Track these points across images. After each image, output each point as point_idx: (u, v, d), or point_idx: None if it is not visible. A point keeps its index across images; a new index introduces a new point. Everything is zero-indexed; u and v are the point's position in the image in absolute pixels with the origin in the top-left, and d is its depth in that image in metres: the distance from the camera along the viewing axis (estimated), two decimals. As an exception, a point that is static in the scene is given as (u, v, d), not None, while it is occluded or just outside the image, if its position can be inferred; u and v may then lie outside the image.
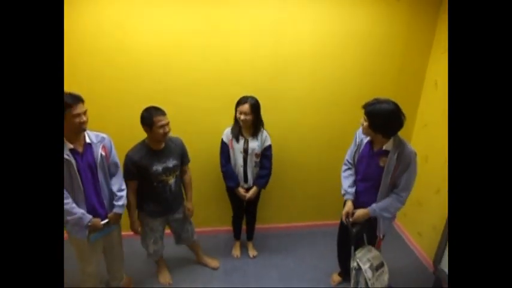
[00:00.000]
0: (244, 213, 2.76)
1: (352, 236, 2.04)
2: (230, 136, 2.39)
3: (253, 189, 2.50)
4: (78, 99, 1.73)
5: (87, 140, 1.87)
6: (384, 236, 2.11)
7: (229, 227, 2.87)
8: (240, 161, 2.43)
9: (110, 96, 2.48)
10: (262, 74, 2.59)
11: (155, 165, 2.09)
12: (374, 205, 1.95)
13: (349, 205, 2.07)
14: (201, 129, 2.65)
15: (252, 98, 2.31)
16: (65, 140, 1.76)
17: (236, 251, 2.85)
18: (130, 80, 2.47)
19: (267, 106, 2.64)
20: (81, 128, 1.76)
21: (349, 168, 2.15)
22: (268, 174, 2.52)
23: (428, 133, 2.80)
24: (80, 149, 1.84)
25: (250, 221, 2.80)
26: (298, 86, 2.67)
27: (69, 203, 1.81)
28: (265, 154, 2.47)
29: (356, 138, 2.09)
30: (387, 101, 1.77)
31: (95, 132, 1.94)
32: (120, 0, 2.28)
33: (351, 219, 2.04)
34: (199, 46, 2.45)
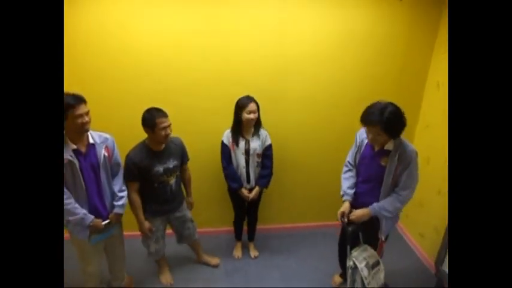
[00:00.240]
0: (245, 214, 2.76)
1: (348, 235, 2.04)
2: (231, 138, 2.39)
3: (256, 190, 2.50)
4: (80, 100, 1.74)
5: (91, 141, 1.88)
6: (386, 238, 2.10)
7: (231, 228, 2.87)
8: (242, 162, 2.43)
9: (111, 96, 2.49)
10: (263, 75, 2.59)
11: (156, 166, 2.10)
12: (375, 204, 1.94)
13: (346, 205, 2.06)
14: (202, 129, 2.65)
15: (251, 96, 2.32)
16: (68, 141, 1.77)
17: (237, 252, 2.85)
18: (132, 80, 2.47)
19: (268, 107, 2.64)
20: (83, 129, 1.77)
21: (349, 170, 2.14)
22: (270, 174, 2.52)
23: (430, 134, 2.79)
24: (83, 149, 1.84)
25: (252, 221, 2.80)
26: (299, 86, 2.67)
27: (71, 203, 1.81)
28: (266, 154, 2.47)
29: (357, 139, 2.08)
30: (384, 103, 1.73)
31: (98, 133, 1.95)
32: (122, 1, 2.29)
33: (346, 220, 2.05)
34: (200, 46, 2.45)
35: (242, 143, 2.39)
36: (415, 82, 2.81)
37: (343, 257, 2.45)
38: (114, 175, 2.06)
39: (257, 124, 2.41)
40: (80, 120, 1.72)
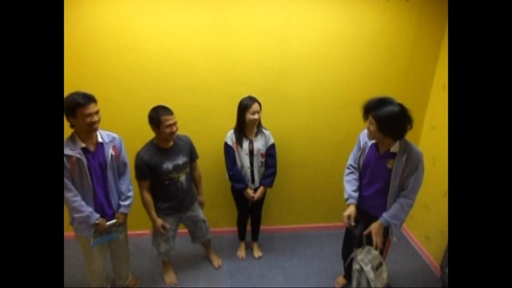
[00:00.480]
0: (249, 214, 2.76)
1: (355, 239, 2.02)
2: (234, 138, 2.40)
3: (261, 189, 2.51)
4: (90, 99, 1.76)
5: (99, 140, 1.90)
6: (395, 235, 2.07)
7: (234, 228, 2.87)
8: (247, 163, 2.43)
9: (116, 96, 2.51)
10: (269, 75, 2.59)
11: (165, 163, 2.12)
12: (384, 214, 1.91)
13: (351, 209, 2.03)
14: (206, 129, 2.66)
15: (253, 97, 2.33)
16: (78, 139, 1.80)
17: (241, 252, 2.85)
18: (136, 79, 2.49)
19: (274, 107, 2.65)
20: (92, 128, 1.79)
21: (352, 173, 2.10)
22: (274, 173, 2.52)
23: (436, 136, 2.76)
24: (92, 148, 1.87)
25: (255, 221, 2.80)
26: (304, 87, 2.67)
27: (77, 200, 1.84)
28: (270, 153, 2.48)
29: (360, 141, 2.04)
30: (392, 102, 1.72)
31: (107, 132, 1.98)
32: (128, 1, 2.31)
33: (352, 223, 2.03)
34: (205, 46, 2.46)
35: (246, 144, 2.39)
36: (421, 83, 2.80)
37: (347, 259, 2.44)
38: (120, 175, 2.08)
39: (259, 124, 2.42)
40: (88, 119, 1.75)
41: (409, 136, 2.94)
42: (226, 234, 3.06)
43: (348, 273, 2.50)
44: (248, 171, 2.46)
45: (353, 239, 2.05)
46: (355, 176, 2.09)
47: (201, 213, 2.48)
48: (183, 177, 2.23)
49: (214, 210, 2.96)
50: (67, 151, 1.76)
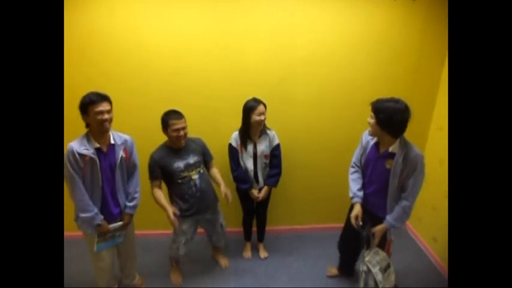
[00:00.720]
0: (254, 214, 2.76)
1: (363, 239, 2.03)
2: (239, 140, 2.40)
3: (265, 189, 2.51)
4: (102, 98, 1.81)
5: (112, 141, 1.95)
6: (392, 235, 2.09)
7: (240, 228, 2.88)
8: (250, 165, 2.45)
9: (124, 97, 2.53)
10: (275, 76, 2.60)
11: (176, 162, 2.16)
12: (389, 218, 1.93)
13: (358, 208, 2.05)
14: (213, 129, 2.67)
15: (258, 98, 2.33)
16: (93, 139, 1.86)
17: (247, 253, 2.86)
18: (144, 80, 2.52)
19: (279, 108, 2.65)
20: (103, 126, 1.82)
21: (356, 171, 2.13)
22: (279, 173, 2.53)
23: (444, 137, 2.74)
24: (105, 149, 1.92)
25: (261, 222, 2.80)
26: (311, 87, 2.67)
27: (85, 200, 1.87)
28: (275, 153, 2.48)
29: (362, 140, 2.08)
30: (396, 99, 1.76)
31: (119, 134, 2.01)
32: (134, 2, 2.33)
33: (360, 223, 2.03)
34: (213, 48, 2.48)
35: (250, 146, 2.40)
36: (428, 84, 2.77)
37: (344, 255, 2.50)
38: (130, 176, 2.11)
39: (263, 125, 2.42)
40: (99, 117, 1.79)
41: (416, 137, 2.93)
42: (232, 234, 3.06)
43: (342, 266, 2.56)
44: (252, 173, 2.47)
45: (361, 240, 2.05)
46: (359, 174, 2.12)
47: (220, 218, 2.50)
48: (195, 176, 2.24)
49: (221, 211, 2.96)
50: (82, 150, 1.80)
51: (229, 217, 3.01)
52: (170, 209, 2.14)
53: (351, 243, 2.29)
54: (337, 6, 2.46)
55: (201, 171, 2.28)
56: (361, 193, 2.07)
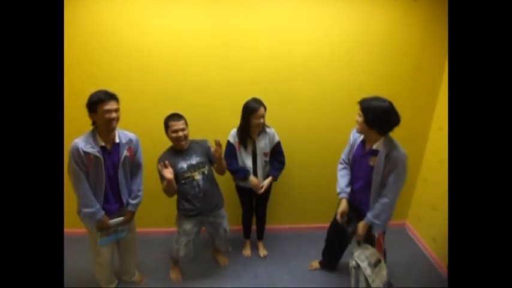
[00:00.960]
0: (253, 212, 2.77)
1: (349, 235, 2.08)
2: (237, 138, 2.40)
3: (268, 180, 2.49)
4: (110, 96, 1.83)
5: (117, 140, 1.96)
6: (384, 233, 2.10)
7: (240, 226, 2.88)
8: (249, 163, 2.45)
9: (126, 95, 2.49)
10: (276, 75, 2.60)
11: (180, 163, 2.18)
12: (368, 214, 1.98)
13: (344, 204, 2.12)
14: (214, 127, 2.67)
15: (259, 99, 2.31)
16: (99, 137, 1.88)
17: (246, 251, 2.87)
18: (146, 79, 2.53)
19: (281, 106, 2.65)
20: (110, 125, 1.85)
21: (344, 168, 2.19)
22: (283, 167, 2.54)
23: (444, 137, 2.74)
24: (109, 147, 1.94)
25: (260, 220, 2.80)
26: (313, 86, 2.67)
27: (89, 195, 1.91)
28: (277, 150, 2.49)
29: (350, 137, 2.14)
30: (383, 99, 1.83)
31: (125, 132, 2.03)
32: (137, 1, 2.33)
33: (345, 218, 2.10)
34: (214, 46, 2.49)
35: (249, 144, 2.40)
36: (429, 83, 2.77)
37: (328, 251, 2.57)
38: (133, 174, 2.13)
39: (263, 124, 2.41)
40: (107, 116, 1.81)
41: (416, 137, 2.94)
42: (231, 232, 3.06)
43: (324, 258, 2.62)
44: (251, 171, 2.47)
45: (347, 237, 2.12)
46: (347, 170, 2.18)
47: (225, 222, 2.49)
48: (198, 177, 2.24)
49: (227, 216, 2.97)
50: (87, 148, 1.83)
51: (229, 215, 3.01)
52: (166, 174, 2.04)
53: (337, 238, 2.36)
54: (338, 6, 2.47)
55: (205, 172, 2.28)
56: (348, 189, 2.13)
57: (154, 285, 2.49)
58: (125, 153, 2.00)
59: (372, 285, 1.94)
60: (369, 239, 2.08)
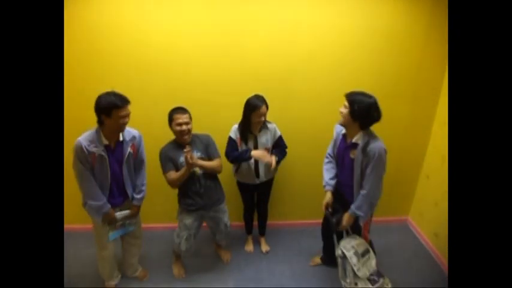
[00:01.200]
0: (254, 208, 2.77)
1: (333, 226, 2.14)
2: (239, 134, 2.39)
3: (273, 158, 2.37)
4: (126, 101, 1.86)
5: (120, 138, 1.99)
6: (370, 219, 2.17)
7: (242, 222, 2.89)
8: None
9: (128, 91, 2.48)
10: (278, 71, 2.59)
11: (181, 157, 2.18)
12: (352, 206, 2.05)
13: (328, 196, 2.20)
14: (216, 124, 2.65)
15: (261, 97, 2.29)
16: (103, 137, 1.90)
17: (249, 246, 2.88)
18: (148, 75, 2.52)
19: (282, 103, 2.64)
20: (122, 129, 1.91)
21: (330, 162, 2.27)
22: (285, 155, 2.53)
23: (447, 133, 2.72)
24: (113, 145, 1.96)
25: (262, 215, 2.81)
26: (315, 84, 2.65)
27: (96, 190, 1.96)
28: (280, 144, 2.48)
29: (334, 132, 2.22)
30: (369, 94, 1.90)
31: (128, 129, 2.03)
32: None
33: (330, 209, 2.20)
34: (216, 43, 2.47)
35: (250, 140, 2.40)
36: (432, 79, 2.75)
37: (325, 244, 2.62)
38: (136, 170, 2.17)
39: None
40: (122, 121, 1.85)
41: (419, 132, 2.92)
42: (233, 228, 3.07)
43: (324, 254, 2.67)
44: (252, 167, 2.46)
45: (331, 226, 2.19)
46: (332, 164, 2.26)
47: (225, 217, 2.50)
48: (199, 172, 2.25)
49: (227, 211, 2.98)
50: (92, 148, 1.86)
51: (231, 211, 3.02)
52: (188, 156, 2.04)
53: (329, 233, 2.41)
54: (340, 2, 2.44)
55: None
56: (332, 182, 2.21)
57: (157, 281, 2.52)
58: (129, 150, 2.03)
59: (358, 274, 2.00)
60: (356, 229, 2.16)
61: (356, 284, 2.03)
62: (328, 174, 2.24)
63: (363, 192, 1.98)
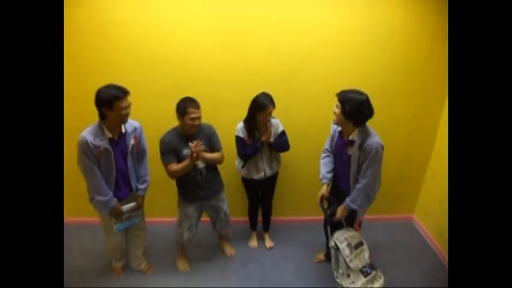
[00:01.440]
0: (259, 204, 2.78)
1: (327, 217, 2.20)
2: (245, 131, 2.38)
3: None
4: (126, 92, 1.87)
5: (123, 130, 2.01)
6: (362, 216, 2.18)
7: (246, 217, 2.90)
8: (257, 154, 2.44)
9: (135, 84, 2.48)
10: (283, 66, 2.58)
11: (185, 149, 2.18)
12: (347, 199, 2.08)
13: (324, 189, 2.25)
14: (221, 119, 2.62)
15: (269, 95, 2.27)
16: (106, 130, 1.92)
17: (253, 242, 2.89)
18: (155, 69, 2.53)
19: (287, 98, 2.63)
20: (124, 120, 1.93)
21: (327, 156, 2.30)
22: (286, 148, 2.49)
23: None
24: (116, 138, 1.99)
25: (266, 211, 2.82)
26: (320, 78, 2.63)
27: (102, 185, 1.99)
28: (282, 139, 2.45)
29: (331, 129, 2.23)
30: (360, 92, 1.90)
31: (129, 121, 2.04)
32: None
33: (325, 202, 2.26)
34: (222, 37, 2.46)
35: (256, 137, 2.39)
36: (440, 77, 2.71)
37: (328, 240, 2.57)
38: (139, 161, 2.20)
39: None
40: (124, 112, 1.87)
41: (426, 130, 2.89)
42: (238, 223, 3.08)
43: (329, 252, 2.60)
44: (259, 163, 2.46)
45: (326, 218, 2.25)
46: (330, 159, 2.29)
47: (225, 206, 2.51)
48: (202, 165, 2.25)
49: (228, 199, 2.98)
50: (96, 141, 1.88)
51: (235, 206, 3.03)
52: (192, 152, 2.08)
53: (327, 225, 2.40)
54: (347, -2, 2.42)
55: None
56: (329, 175, 2.25)
57: (161, 275, 2.54)
58: (132, 141, 2.06)
59: (350, 265, 2.03)
60: (350, 222, 2.21)
61: (348, 275, 2.07)
62: (325, 167, 2.28)
63: (358, 185, 2.02)
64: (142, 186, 2.22)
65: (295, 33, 2.49)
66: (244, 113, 2.41)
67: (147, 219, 2.45)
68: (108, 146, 1.92)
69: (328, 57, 2.58)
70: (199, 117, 2.12)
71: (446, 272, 2.62)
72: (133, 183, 2.17)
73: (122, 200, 2.13)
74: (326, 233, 2.58)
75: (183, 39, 2.46)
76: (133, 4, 2.35)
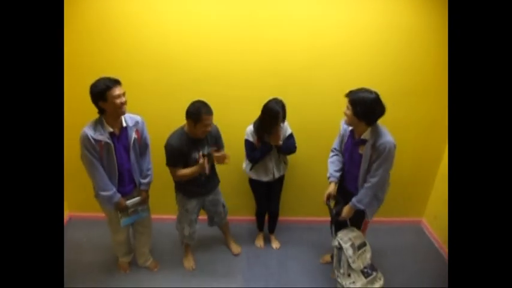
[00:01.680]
0: (267, 206, 2.75)
1: (333, 217, 2.19)
2: (255, 135, 2.36)
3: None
4: (116, 82, 1.86)
5: (124, 124, 2.01)
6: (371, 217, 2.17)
7: (253, 217, 2.88)
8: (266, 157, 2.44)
9: (143, 82, 2.56)
10: (295, 65, 2.56)
11: (193, 152, 2.17)
12: (353, 199, 2.06)
13: (331, 187, 2.21)
14: (229, 118, 2.63)
15: (280, 102, 2.25)
16: (106, 124, 1.92)
17: (259, 242, 2.88)
18: (163, 67, 2.53)
19: (301, 98, 2.62)
20: (121, 110, 1.90)
21: (336, 155, 2.28)
22: (292, 151, 2.47)
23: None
24: (117, 132, 1.98)
25: (273, 214, 2.79)
26: (334, 77, 2.61)
27: (105, 180, 1.99)
28: (289, 140, 2.43)
29: (341, 128, 2.21)
30: (370, 90, 1.87)
31: (130, 115, 2.06)
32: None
33: (332, 201, 2.23)
34: (233, 35, 2.46)
35: (265, 140, 2.38)
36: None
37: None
38: (142, 155, 2.20)
39: None
40: (118, 101, 1.85)
41: (436, 131, 2.85)
42: (245, 222, 3.08)
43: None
44: (269, 165, 2.46)
45: (331, 218, 2.22)
46: (339, 157, 2.26)
47: (221, 198, 2.53)
48: (207, 166, 2.25)
49: (234, 198, 2.97)
50: (97, 136, 1.88)
51: (242, 206, 3.04)
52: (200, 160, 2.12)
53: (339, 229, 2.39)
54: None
55: (212, 159, 2.29)
56: (337, 174, 2.22)
57: (167, 272, 2.55)
58: (134, 135, 2.05)
59: (352, 266, 2.03)
60: (358, 223, 2.21)
61: (349, 275, 2.07)
62: (333, 166, 2.25)
63: (367, 185, 1.99)
64: (145, 181, 2.22)
65: (309, 31, 2.47)
66: (252, 112, 2.41)
67: (155, 216, 2.46)
68: (108, 140, 1.91)
69: (341, 58, 2.55)
70: (210, 124, 2.10)
71: (455, 277, 2.58)
72: (136, 178, 2.17)
73: (126, 195, 2.14)
74: (332, 233, 2.58)
75: (195, 38, 2.45)
76: (142, 2, 2.35)
